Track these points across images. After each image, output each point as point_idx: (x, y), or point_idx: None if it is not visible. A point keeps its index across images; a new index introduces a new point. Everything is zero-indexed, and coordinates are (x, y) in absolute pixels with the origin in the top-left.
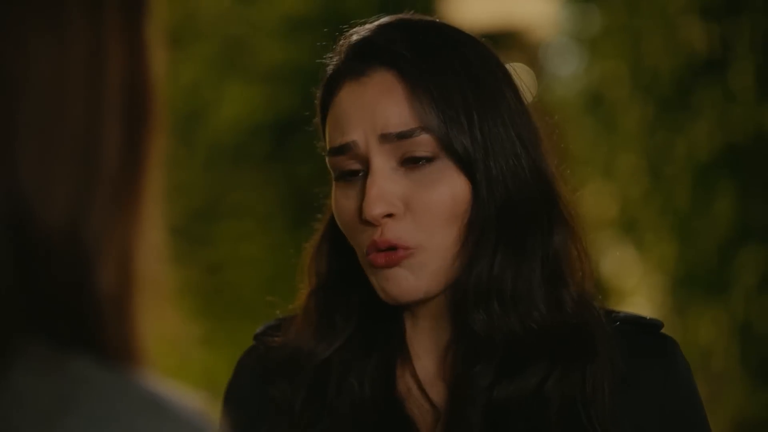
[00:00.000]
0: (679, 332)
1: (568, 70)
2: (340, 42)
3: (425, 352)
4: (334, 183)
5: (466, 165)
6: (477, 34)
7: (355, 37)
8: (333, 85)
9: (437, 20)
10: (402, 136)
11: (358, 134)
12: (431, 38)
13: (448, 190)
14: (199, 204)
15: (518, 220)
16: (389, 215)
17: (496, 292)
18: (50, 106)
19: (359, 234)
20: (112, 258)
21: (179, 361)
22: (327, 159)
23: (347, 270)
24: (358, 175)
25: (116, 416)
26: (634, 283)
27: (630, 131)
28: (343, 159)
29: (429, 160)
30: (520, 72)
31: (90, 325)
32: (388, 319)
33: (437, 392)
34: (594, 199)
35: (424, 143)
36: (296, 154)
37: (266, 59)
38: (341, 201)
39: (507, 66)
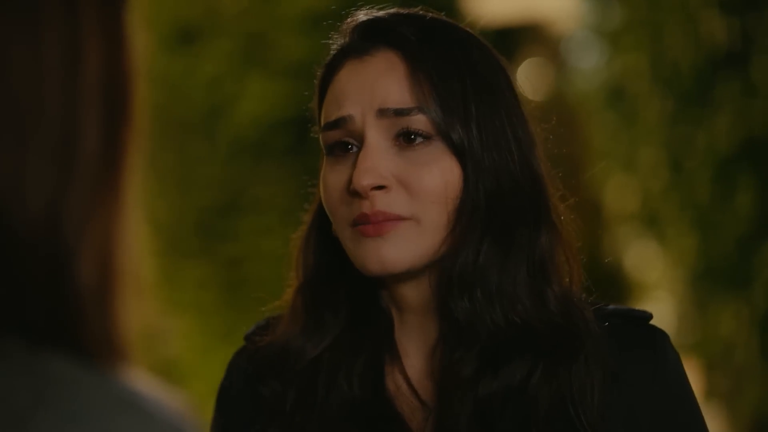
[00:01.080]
0: (699, 326)
1: (589, 63)
2: (347, 21)
3: (414, 350)
4: (324, 160)
5: (459, 152)
6: (498, 28)
7: (362, 17)
8: (335, 64)
9: (445, 18)
10: (399, 112)
11: (354, 109)
12: (438, 29)
13: (440, 172)
14: (221, 199)
15: (506, 215)
16: (379, 188)
17: (480, 282)
18: (26, 100)
19: (345, 206)
20: (92, 251)
21: (200, 354)
22: (321, 135)
23: (334, 262)
24: (350, 150)
25: (92, 415)
26: (655, 277)
27: (651, 125)
28: (337, 133)
29: (425, 138)
30: (538, 67)
31: (69, 319)
32: (376, 316)
33: (426, 390)
34: (615, 193)
35: (421, 122)
36: (317, 149)
37: (288, 55)
38: (330, 176)
39: (510, 72)
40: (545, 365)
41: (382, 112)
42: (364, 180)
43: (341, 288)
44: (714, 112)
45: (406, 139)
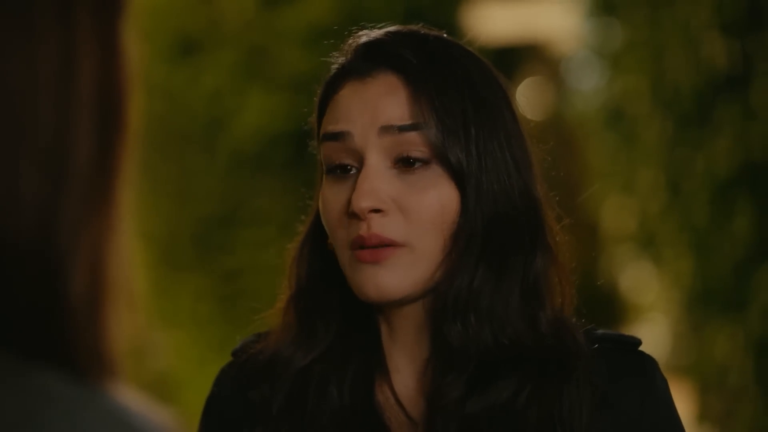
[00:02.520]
0: (694, 348)
1: (590, 84)
2: (348, 42)
3: (403, 366)
4: (323, 178)
5: (457, 176)
6: (499, 46)
7: (363, 39)
8: (335, 83)
9: (446, 36)
10: (404, 128)
11: (355, 127)
12: (438, 50)
13: (438, 196)
14: (219, 211)
15: (503, 238)
16: (377, 211)
17: (474, 306)
18: (19, 109)
19: (344, 229)
20: (84, 262)
21: (196, 366)
22: (319, 148)
23: (327, 272)
24: (350, 172)
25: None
26: (651, 299)
27: (650, 146)
28: (337, 147)
29: (424, 163)
30: (538, 86)
31: (60, 331)
32: (366, 329)
33: (414, 406)
34: (613, 214)
35: (421, 144)
36: (316, 162)
37: (289, 68)
38: (329, 196)
39: (509, 91)
40: (534, 385)
41: (385, 129)
42: (363, 202)
43: (333, 299)
44: (713, 134)
45: (405, 162)
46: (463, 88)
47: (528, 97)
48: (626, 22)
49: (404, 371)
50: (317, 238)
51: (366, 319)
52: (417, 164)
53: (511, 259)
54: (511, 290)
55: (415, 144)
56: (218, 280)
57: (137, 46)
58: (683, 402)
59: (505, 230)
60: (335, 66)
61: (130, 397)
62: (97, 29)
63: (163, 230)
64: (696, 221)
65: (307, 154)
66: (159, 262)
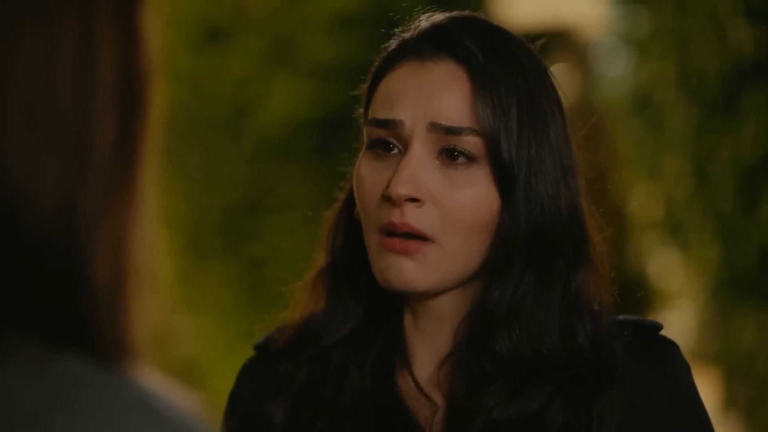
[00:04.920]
0: (721, 335)
1: (616, 70)
2: (417, 20)
3: (424, 355)
4: (363, 151)
5: (505, 178)
6: (525, 33)
7: (427, 23)
8: (395, 57)
9: (504, 27)
10: (450, 131)
11: (407, 115)
12: (502, 46)
13: (477, 196)
14: (245, 198)
15: (548, 247)
16: (413, 200)
17: (518, 315)
18: (40, 96)
19: (377, 210)
20: (106, 249)
21: (221, 354)
22: (365, 127)
23: (360, 247)
24: (393, 152)
25: (107, 417)
26: (678, 286)
27: (676, 133)
28: (384, 132)
29: (469, 159)
30: (564, 72)
31: (83, 318)
32: (391, 312)
33: (433, 390)
34: (640, 201)
35: (470, 144)
36: (343, 150)
37: (315, 56)
38: (367, 172)
39: (560, 91)
40: (565, 399)
41: (433, 126)
42: (401, 189)
43: (364, 275)
44: (739, 121)
45: (449, 155)
46: (521, 91)
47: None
48: (652, 8)
49: (424, 358)
50: (353, 209)
51: (392, 301)
52: (461, 158)
53: (555, 268)
54: (552, 301)
55: (463, 142)
56: (244, 267)
57: (160, 34)
58: (709, 390)
59: (551, 239)
60: (396, 41)
61: (155, 382)
62: (118, 15)
63: (189, 218)
64: (722, 208)
65: (334, 141)
66: (185, 250)
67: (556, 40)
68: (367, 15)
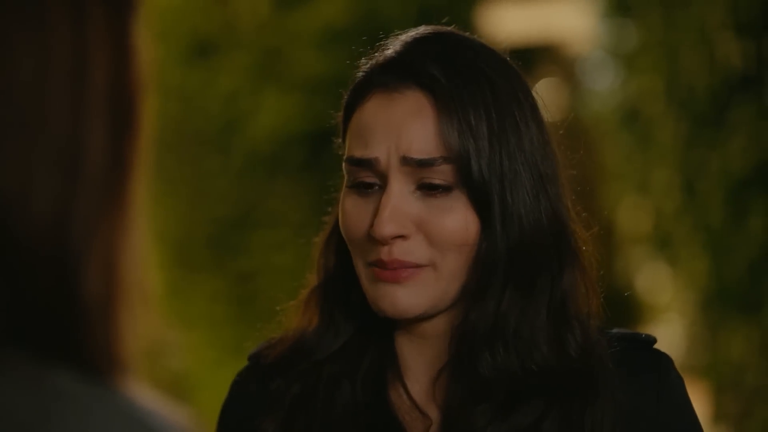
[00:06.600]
0: (710, 348)
1: (604, 84)
2: (377, 51)
3: (417, 369)
4: (345, 188)
5: (480, 199)
6: (513, 47)
7: (391, 50)
8: (362, 91)
9: (472, 38)
10: (422, 163)
11: (381, 151)
12: (466, 62)
13: (459, 221)
14: (234, 212)
15: (529, 262)
16: (399, 236)
17: (501, 333)
18: (32, 109)
19: (365, 245)
20: (98, 262)
21: (211, 368)
22: (344, 163)
23: (351, 266)
24: (373, 189)
25: (97, 431)
26: (666, 299)
27: (665, 147)
28: (363, 174)
29: (446, 189)
30: (552, 87)
31: (74, 332)
32: (383, 326)
33: (427, 404)
34: (628, 214)
35: (443, 172)
36: (332, 164)
37: (304, 70)
38: (351, 211)
39: (535, 97)
40: (558, 410)
41: (406, 161)
42: (385, 230)
43: (356, 293)
44: (728, 134)
45: (427, 188)
46: (489, 106)
47: (543, 98)
48: (641, 22)
49: (417, 371)
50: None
51: (382, 318)
52: (439, 189)
53: (538, 282)
54: (538, 312)
55: (437, 172)
56: (233, 281)
57: (151, 47)
58: (699, 402)
59: (532, 252)
60: (362, 73)
61: (144, 395)
62: (110, 28)
63: (178, 232)
64: (711, 221)
65: (323, 155)
66: (174, 264)
67: (545, 55)
68: (356, 29)
